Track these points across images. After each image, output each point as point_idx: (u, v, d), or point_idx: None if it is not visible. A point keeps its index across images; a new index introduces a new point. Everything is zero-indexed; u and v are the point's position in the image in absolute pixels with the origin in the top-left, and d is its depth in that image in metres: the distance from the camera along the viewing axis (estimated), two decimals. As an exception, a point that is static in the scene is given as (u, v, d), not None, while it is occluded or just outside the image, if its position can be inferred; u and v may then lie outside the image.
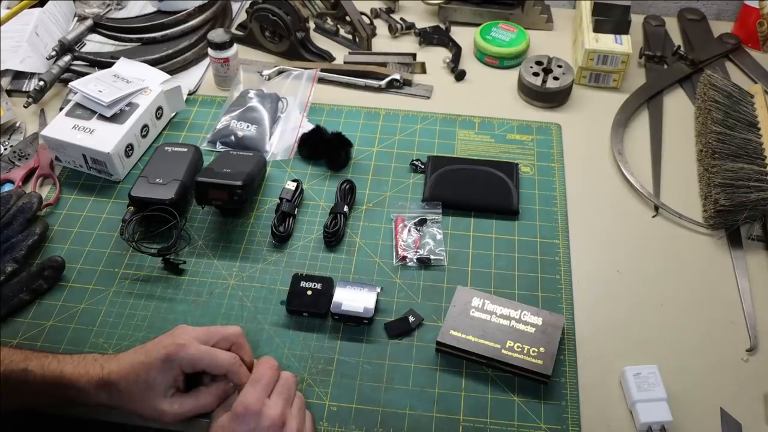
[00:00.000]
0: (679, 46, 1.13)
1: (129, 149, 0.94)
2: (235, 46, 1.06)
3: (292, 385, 0.67)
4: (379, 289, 0.79)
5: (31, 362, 0.66)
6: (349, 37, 1.18)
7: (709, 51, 1.13)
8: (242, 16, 1.20)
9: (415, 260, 0.84)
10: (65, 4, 1.21)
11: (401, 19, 1.20)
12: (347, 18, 1.16)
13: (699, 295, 0.82)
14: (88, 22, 1.14)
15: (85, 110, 0.95)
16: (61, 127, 0.93)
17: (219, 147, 0.98)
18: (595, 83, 1.09)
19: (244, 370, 0.66)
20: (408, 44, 1.18)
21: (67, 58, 1.08)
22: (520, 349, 0.73)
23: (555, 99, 1.05)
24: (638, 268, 0.84)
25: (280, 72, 1.08)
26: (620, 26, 1.08)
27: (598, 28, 1.08)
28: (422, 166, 0.95)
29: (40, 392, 0.66)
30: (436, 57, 1.14)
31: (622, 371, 0.73)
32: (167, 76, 1.02)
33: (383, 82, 1.08)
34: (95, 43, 1.16)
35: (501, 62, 1.13)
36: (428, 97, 1.08)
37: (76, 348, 0.76)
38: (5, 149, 0.99)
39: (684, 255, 0.86)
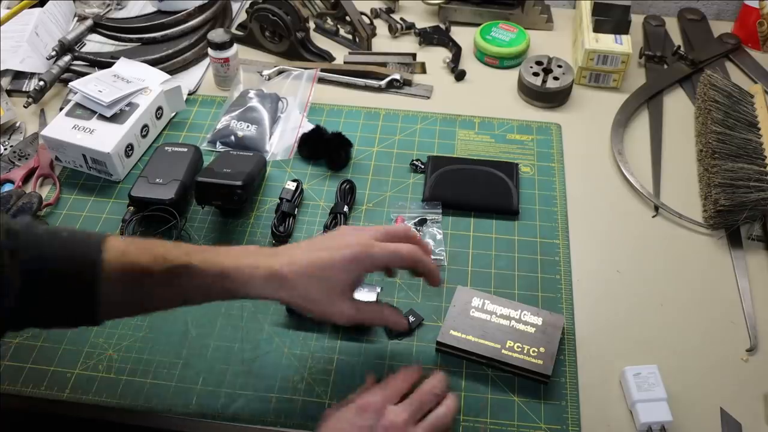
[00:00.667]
0: (679, 46, 1.13)
1: (129, 149, 0.94)
2: (235, 46, 1.06)
3: (427, 400, 0.65)
4: (379, 289, 0.79)
5: (193, 257, 0.64)
6: (349, 37, 1.18)
7: (709, 51, 1.13)
8: (242, 16, 1.20)
9: (415, 260, 0.84)
10: (65, 4, 1.21)
11: (401, 19, 1.20)
12: (347, 18, 1.16)
13: (699, 295, 0.82)
14: (88, 22, 1.14)
15: (85, 110, 0.95)
16: (61, 127, 0.93)
17: (219, 147, 0.98)
18: (595, 83, 1.09)
19: (428, 258, 0.68)
20: (408, 44, 1.18)
21: (67, 58, 1.08)
22: (520, 349, 0.73)
23: (555, 99, 1.05)
24: (638, 268, 0.84)
25: (280, 72, 1.08)
26: (620, 26, 1.08)
27: (598, 28, 1.08)
28: (422, 166, 0.95)
29: (205, 287, 0.64)
30: (436, 57, 1.14)
31: (622, 371, 0.73)
32: (167, 76, 1.02)
33: (383, 82, 1.08)
34: (95, 43, 1.16)
35: (501, 62, 1.13)
36: (428, 97, 1.08)
37: (75, 348, 0.76)
38: (5, 149, 0.99)
39: (684, 255, 0.86)
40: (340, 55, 1.15)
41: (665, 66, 1.13)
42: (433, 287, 0.74)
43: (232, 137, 0.98)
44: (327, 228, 0.86)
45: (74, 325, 0.66)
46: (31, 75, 1.10)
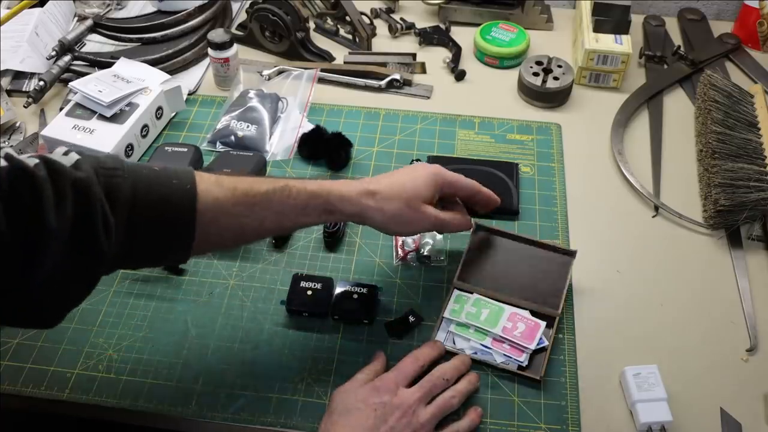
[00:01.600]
0: (679, 46, 1.13)
1: (129, 149, 0.94)
2: (235, 46, 1.06)
3: (438, 384, 0.69)
4: (379, 289, 0.79)
5: (289, 181, 0.67)
6: (349, 37, 1.18)
7: (709, 51, 1.13)
8: (242, 16, 1.20)
9: (415, 260, 0.84)
10: (65, 4, 1.21)
11: (401, 19, 1.20)
12: (347, 18, 1.16)
13: (699, 295, 0.82)
14: (88, 22, 1.14)
15: (85, 110, 0.95)
16: (61, 127, 0.93)
17: (219, 147, 0.98)
18: (595, 83, 1.09)
19: (487, 190, 0.79)
20: (408, 44, 1.18)
21: (67, 58, 1.08)
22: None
23: (555, 99, 1.05)
24: (638, 268, 0.84)
25: (280, 72, 1.08)
26: (620, 26, 1.08)
27: (598, 28, 1.08)
28: (422, 166, 0.95)
29: (299, 204, 0.67)
30: (436, 57, 1.14)
31: (622, 371, 0.73)
32: (167, 76, 1.02)
33: (383, 82, 1.08)
34: (95, 43, 1.16)
35: (501, 62, 1.13)
36: (428, 97, 1.08)
37: (75, 348, 0.76)
38: (5, 149, 0.99)
39: (684, 255, 0.86)
40: (340, 55, 1.15)
41: (665, 66, 1.13)
42: (492, 208, 0.81)
43: (232, 137, 0.98)
44: (327, 228, 0.86)
45: (169, 261, 0.72)
46: (31, 75, 1.10)
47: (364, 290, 0.79)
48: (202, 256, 0.83)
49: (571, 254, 0.81)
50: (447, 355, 0.75)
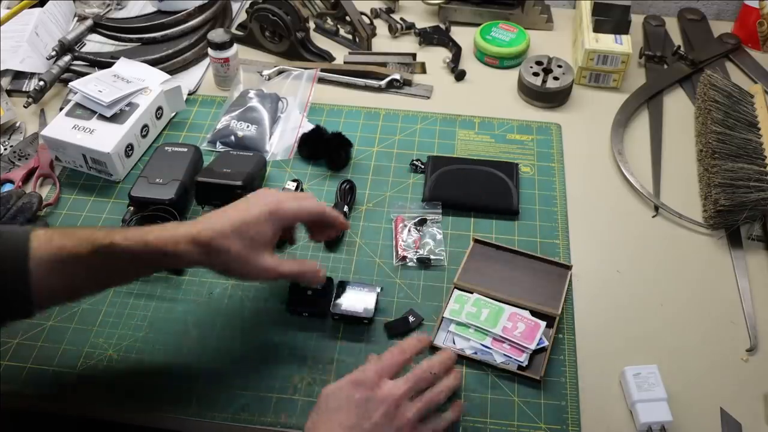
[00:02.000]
0: (679, 46, 1.13)
1: (129, 149, 0.94)
2: (235, 46, 1.06)
3: (425, 377, 0.66)
4: (379, 289, 0.79)
5: (115, 236, 0.65)
6: (349, 37, 1.18)
7: (709, 51, 1.13)
8: (242, 16, 1.20)
9: (415, 260, 0.84)
10: (65, 4, 1.21)
11: (401, 19, 1.20)
12: (347, 18, 1.16)
13: (699, 295, 0.82)
14: (88, 22, 1.14)
15: (85, 110, 0.95)
16: (61, 127, 0.93)
17: (219, 147, 0.98)
18: (595, 83, 1.09)
19: (335, 211, 0.76)
20: (408, 44, 1.18)
21: (67, 58, 1.08)
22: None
23: (555, 99, 1.05)
24: (638, 268, 0.84)
25: (280, 72, 1.08)
26: (620, 26, 1.08)
27: (598, 28, 1.08)
28: (422, 166, 0.95)
29: (131, 263, 0.66)
30: (436, 57, 1.14)
31: (622, 371, 0.73)
32: (167, 76, 1.02)
33: (383, 82, 1.08)
34: (95, 43, 1.16)
35: (501, 62, 1.13)
36: (428, 97, 1.08)
37: (75, 348, 0.76)
38: (5, 149, 0.99)
39: (684, 255, 0.86)
40: (340, 55, 1.15)
41: (665, 66, 1.13)
42: (340, 232, 0.80)
43: (232, 137, 0.98)
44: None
45: (11, 318, 0.66)
46: (31, 75, 1.10)
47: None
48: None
49: (568, 268, 0.81)
50: (431, 349, 0.75)
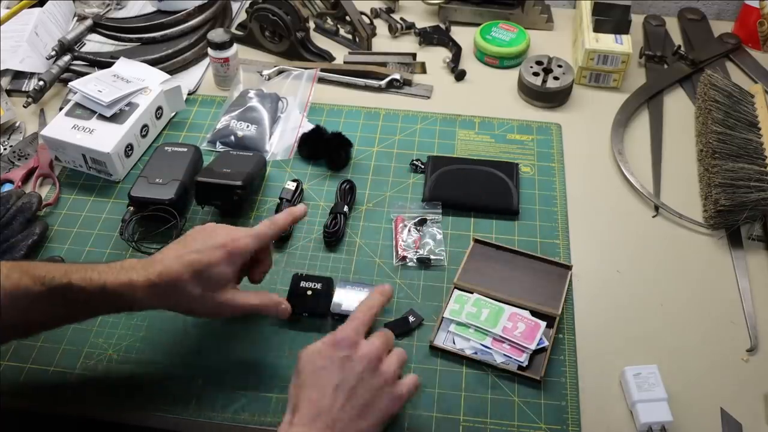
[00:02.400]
0: (679, 46, 1.13)
1: (129, 149, 0.94)
2: (235, 46, 1.06)
3: (390, 339, 0.67)
4: (379, 289, 0.79)
5: (73, 276, 0.65)
6: (349, 37, 1.18)
7: (710, 51, 1.13)
8: (242, 16, 1.19)
9: (415, 260, 0.84)
10: (65, 4, 1.21)
11: (401, 19, 1.20)
12: (347, 18, 1.16)
13: (699, 295, 0.82)
14: (88, 22, 1.14)
15: (84, 110, 0.94)
16: (60, 127, 0.93)
17: (219, 147, 0.98)
18: (596, 83, 1.09)
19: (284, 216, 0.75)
20: (408, 44, 1.18)
21: (66, 57, 1.08)
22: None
23: (555, 99, 1.05)
24: (638, 268, 0.84)
25: (280, 72, 1.08)
26: (620, 26, 1.08)
27: (598, 27, 1.08)
28: (422, 166, 0.95)
29: (88, 304, 0.66)
30: (436, 57, 1.14)
31: (622, 371, 0.73)
32: (167, 76, 1.02)
33: (383, 82, 1.08)
34: (95, 43, 1.16)
35: (501, 62, 1.13)
36: (428, 97, 1.08)
37: (75, 348, 0.76)
38: (5, 149, 0.99)
39: (684, 255, 0.86)
40: (340, 55, 1.15)
41: (665, 66, 1.12)
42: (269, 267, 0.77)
43: (232, 137, 0.98)
44: (327, 228, 0.86)
45: None
46: (31, 75, 1.10)
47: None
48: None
49: (568, 268, 0.81)
50: (431, 349, 0.75)
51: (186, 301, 0.67)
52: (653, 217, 0.90)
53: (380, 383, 0.63)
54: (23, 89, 1.08)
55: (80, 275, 0.65)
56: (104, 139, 0.91)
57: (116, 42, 1.15)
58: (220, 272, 0.67)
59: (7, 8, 1.18)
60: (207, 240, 0.69)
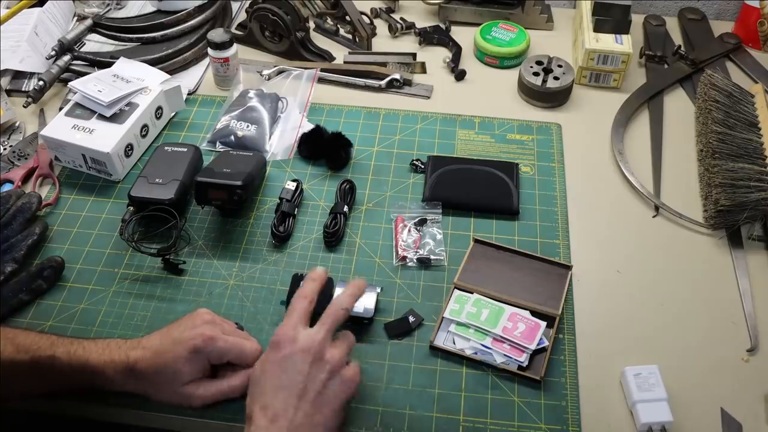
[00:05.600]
0: (679, 46, 1.13)
1: (129, 149, 0.94)
2: (235, 45, 1.06)
3: (339, 316, 0.66)
4: (379, 289, 0.79)
5: (57, 349, 0.66)
6: (349, 36, 1.18)
7: (710, 51, 1.13)
8: (242, 16, 1.19)
9: (415, 260, 0.84)
10: (65, 4, 1.21)
11: (401, 18, 1.20)
12: (347, 18, 1.16)
13: (699, 295, 0.82)
14: (88, 22, 1.14)
15: (84, 110, 0.94)
16: (60, 127, 0.93)
17: (219, 147, 0.98)
18: (596, 83, 1.09)
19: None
20: (408, 44, 1.18)
21: (66, 57, 1.08)
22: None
23: (555, 99, 1.05)
24: (638, 268, 0.84)
25: (280, 72, 1.08)
26: (620, 26, 1.07)
27: (598, 27, 1.08)
28: (422, 166, 0.95)
29: (68, 378, 0.67)
30: (436, 57, 1.14)
31: (622, 371, 0.73)
32: (167, 76, 1.02)
33: (383, 82, 1.08)
34: (95, 43, 1.16)
35: (501, 62, 1.13)
36: (428, 97, 1.08)
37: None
38: (5, 149, 0.99)
39: (684, 255, 0.86)
40: (340, 55, 1.15)
41: (666, 66, 1.12)
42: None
43: (232, 137, 0.98)
44: (327, 228, 0.86)
45: None
46: (31, 75, 1.10)
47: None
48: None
49: (568, 268, 0.81)
50: (431, 349, 0.75)
51: (154, 390, 0.67)
52: (653, 217, 0.90)
53: (327, 374, 0.62)
54: (23, 89, 1.08)
55: (65, 348, 0.66)
56: (104, 139, 0.91)
57: (116, 42, 1.15)
58: (184, 367, 0.66)
59: (7, 8, 1.18)
60: (187, 331, 0.67)
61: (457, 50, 1.14)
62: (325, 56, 1.14)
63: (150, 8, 1.19)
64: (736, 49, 1.14)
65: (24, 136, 1.02)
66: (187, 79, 1.10)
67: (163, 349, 0.67)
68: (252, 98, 1.01)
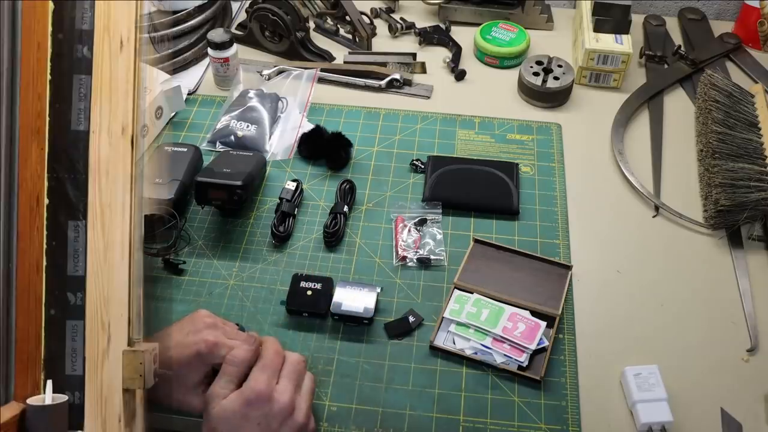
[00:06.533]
0: (679, 46, 1.13)
1: (129, 149, 0.94)
2: (235, 45, 1.06)
3: (301, 368, 0.66)
4: (379, 289, 0.79)
5: None
6: (349, 36, 1.18)
7: (710, 51, 1.13)
8: (242, 16, 1.19)
9: (415, 260, 0.84)
10: (65, 4, 1.21)
11: (401, 18, 1.20)
12: (347, 18, 1.16)
13: (699, 295, 0.82)
14: (88, 22, 1.14)
15: (84, 110, 0.94)
16: (60, 127, 0.93)
17: (219, 147, 0.98)
18: (596, 83, 1.09)
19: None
20: (408, 44, 1.18)
21: (66, 57, 1.08)
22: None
23: (555, 99, 1.05)
24: (638, 268, 0.84)
25: (280, 72, 1.08)
26: (620, 26, 1.07)
27: (598, 27, 1.08)
28: (422, 166, 0.95)
29: None
30: (436, 57, 1.14)
31: (622, 371, 0.73)
32: (167, 76, 1.02)
33: (383, 82, 1.08)
34: (95, 43, 1.16)
35: (501, 62, 1.13)
36: (428, 97, 1.08)
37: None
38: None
39: (684, 255, 0.86)
40: (340, 55, 1.15)
41: (666, 66, 1.12)
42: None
43: (232, 137, 0.98)
44: (327, 228, 0.86)
45: None
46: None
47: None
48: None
49: (568, 268, 0.81)
50: (431, 349, 0.75)
51: (153, 395, 0.64)
52: (653, 217, 0.90)
53: (295, 428, 0.63)
54: (23, 89, 1.08)
55: None
56: (104, 139, 0.91)
57: (116, 42, 1.14)
58: (187, 374, 0.66)
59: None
60: (189, 336, 0.66)
61: (457, 50, 1.14)
62: (325, 56, 1.14)
63: (150, 8, 1.19)
64: (736, 49, 1.14)
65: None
66: (187, 79, 1.10)
67: (164, 356, 0.65)
68: (252, 98, 1.01)
